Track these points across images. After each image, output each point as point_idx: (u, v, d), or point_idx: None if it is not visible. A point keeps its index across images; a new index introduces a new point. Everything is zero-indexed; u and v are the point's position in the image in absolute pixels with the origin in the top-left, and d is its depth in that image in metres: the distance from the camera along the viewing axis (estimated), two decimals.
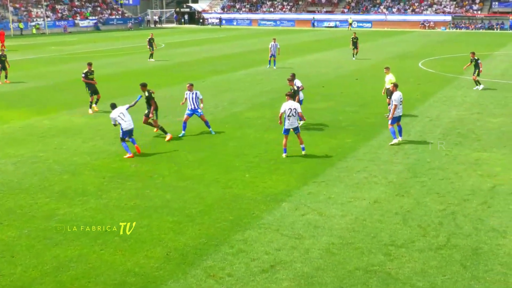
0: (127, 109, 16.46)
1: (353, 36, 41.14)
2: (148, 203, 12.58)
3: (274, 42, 36.41)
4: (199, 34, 75.54)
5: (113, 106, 16.57)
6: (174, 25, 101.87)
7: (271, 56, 36.20)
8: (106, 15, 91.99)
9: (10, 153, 16.79)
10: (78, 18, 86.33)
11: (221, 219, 11.61)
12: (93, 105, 22.81)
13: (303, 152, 16.05)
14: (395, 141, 17.06)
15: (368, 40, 58.38)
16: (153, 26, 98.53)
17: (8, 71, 32.16)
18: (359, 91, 26.86)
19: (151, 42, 41.90)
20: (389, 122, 17.06)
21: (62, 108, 23.54)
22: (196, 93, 18.47)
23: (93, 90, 22.58)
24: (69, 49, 51.61)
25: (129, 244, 10.51)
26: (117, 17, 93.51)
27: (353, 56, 41.07)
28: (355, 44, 40.72)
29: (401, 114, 17.14)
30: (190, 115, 18.56)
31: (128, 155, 16.05)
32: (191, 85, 18.52)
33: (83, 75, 22.50)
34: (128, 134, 16.28)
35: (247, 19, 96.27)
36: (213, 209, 12.16)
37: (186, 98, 18.48)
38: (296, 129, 15.73)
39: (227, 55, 45.40)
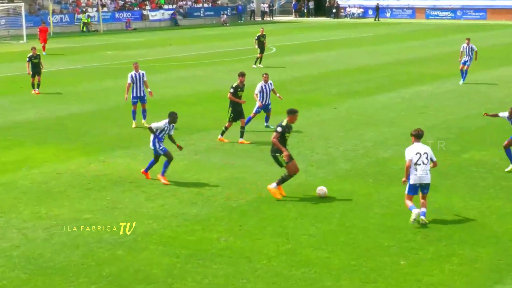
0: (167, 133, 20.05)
1: None
2: None
3: (468, 44, 36.72)
4: (330, 32, 76.55)
5: (171, 116, 20.13)
6: (292, 17, 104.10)
7: (463, 64, 36.76)
8: (189, 3, 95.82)
9: (41, 213, 17.69)
10: (148, 7, 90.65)
11: None
12: (241, 139, 24.61)
13: (422, 218, 16.12)
14: None
15: None
16: (259, 19, 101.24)
17: (41, 77, 35.84)
18: None
19: (261, 40, 44.10)
20: None
21: (117, 146, 24.64)
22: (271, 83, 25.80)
23: (239, 112, 24.39)
24: (133, 55, 54.16)
25: None
26: (206, 5, 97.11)
27: None
28: None
29: None
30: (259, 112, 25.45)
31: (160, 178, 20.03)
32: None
33: (231, 90, 24.40)
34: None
35: (409, 8, 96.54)
36: None
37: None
38: (426, 188, 16.38)
39: (369, 67, 45.57)
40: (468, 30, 74.06)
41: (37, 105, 33.08)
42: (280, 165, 18.45)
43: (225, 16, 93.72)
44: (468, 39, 37.13)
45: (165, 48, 60.28)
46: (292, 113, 18.51)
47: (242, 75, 24.60)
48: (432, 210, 17.35)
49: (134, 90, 27.03)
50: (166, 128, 19.91)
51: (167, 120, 19.96)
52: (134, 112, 27.24)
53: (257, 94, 25.71)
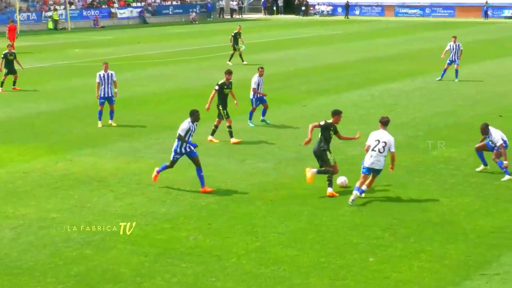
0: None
1: None
2: None
3: (455, 42, 37.10)
4: (299, 29, 76.70)
5: (194, 114, 18.95)
6: (261, 15, 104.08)
7: (449, 63, 37.03)
8: (158, 1, 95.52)
9: (8, 212, 17.59)
10: (116, 5, 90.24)
11: None
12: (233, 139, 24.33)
13: (356, 194, 17.58)
14: None
15: None
16: (228, 16, 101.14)
17: (18, 75, 36.13)
18: None
19: (237, 38, 45.41)
20: None
21: (85, 145, 24.53)
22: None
23: (226, 112, 24.26)
24: (101, 53, 53.96)
25: None
26: (174, 3, 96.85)
27: None
28: None
29: None
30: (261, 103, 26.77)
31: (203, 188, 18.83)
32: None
33: (216, 87, 24.24)
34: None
35: (378, 6, 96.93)
36: None
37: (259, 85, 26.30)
38: (377, 172, 17.87)
39: (339, 65, 45.71)
40: (437, 28, 74.66)
41: (4, 103, 32.81)
42: (325, 161, 18.57)
43: (194, 13, 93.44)
44: (455, 37, 37.47)
45: (134, 46, 60.00)
46: (337, 113, 18.76)
47: (228, 73, 24.51)
48: (401, 207, 17.51)
49: (102, 91, 26.86)
50: (191, 128, 18.82)
51: (189, 120, 18.88)
52: (100, 113, 27.04)
53: (254, 88, 26.45)
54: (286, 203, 17.90)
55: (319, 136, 18.66)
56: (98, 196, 18.71)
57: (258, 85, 26.52)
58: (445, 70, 37.21)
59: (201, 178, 18.80)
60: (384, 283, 13.20)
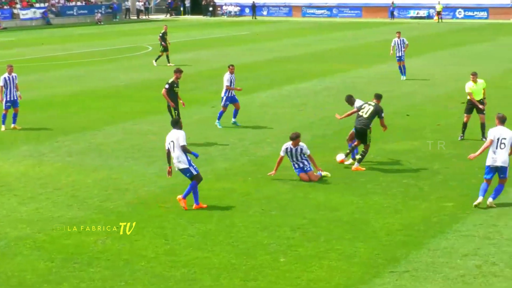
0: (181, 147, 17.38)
1: None
2: None
3: (399, 37, 37.90)
4: (207, 30, 76.71)
5: (177, 123, 18.03)
6: (167, 16, 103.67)
7: (399, 60, 37.89)
8: (62, 1, 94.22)
9: None
10: (18, 6, 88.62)
11: None
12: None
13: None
14: (478, 200, 17.23)
15: (482, 40, 58.64)
16: (135, 17, 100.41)
17: None
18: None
19: (165, 38, 45.39)
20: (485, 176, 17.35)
21: None
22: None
23: (178, 112, 24.04)
24: (4, 54, 52.88)
25: None
26: (79, 3, 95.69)
27: None
28: None
29: (501, 164, 17.01)
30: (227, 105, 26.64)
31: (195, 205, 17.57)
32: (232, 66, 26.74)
33: (166, 86, 24.08)
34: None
35: (285, 6, 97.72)
36: None
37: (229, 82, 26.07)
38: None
39: (248, 65, 45.81)
40: (344, 28, 75.72)
41: None
42: (365, 141, 20.63)
43: (99, 14, 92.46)
44: (399, 33, 38.15)
45: (38, 48, 59.06)
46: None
47: (179, 71, 24.47)
48: (310, 206, 17.68)
49: (7, 94, 26.37)
50: None
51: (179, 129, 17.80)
52: (4, 116, 26.53)
53: (228, 85, 26.29)
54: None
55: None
56: (2, 201, 18.33)
57: (231, 82, 26.42)
58: (400, 67, 37.98)
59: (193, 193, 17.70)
60: (295, 283, 13.30)
